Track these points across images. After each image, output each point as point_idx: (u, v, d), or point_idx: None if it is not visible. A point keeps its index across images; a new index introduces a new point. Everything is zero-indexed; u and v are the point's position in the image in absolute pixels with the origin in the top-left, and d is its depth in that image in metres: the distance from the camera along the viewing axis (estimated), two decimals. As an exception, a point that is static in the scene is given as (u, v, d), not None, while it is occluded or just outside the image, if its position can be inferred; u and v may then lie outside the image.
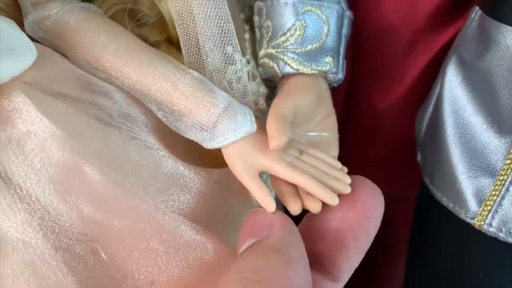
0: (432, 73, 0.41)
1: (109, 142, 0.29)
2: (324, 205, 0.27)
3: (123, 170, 0.28)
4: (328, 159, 0.31)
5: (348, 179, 0.31)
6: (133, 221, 0.27)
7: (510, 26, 0.31)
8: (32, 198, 0.25)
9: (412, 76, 0.42)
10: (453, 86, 0.36)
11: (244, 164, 0.30)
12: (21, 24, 0.34)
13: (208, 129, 0.30)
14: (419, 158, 0.42)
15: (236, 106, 0.31)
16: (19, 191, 0.25)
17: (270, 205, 0.28)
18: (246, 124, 0.30)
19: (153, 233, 0.26)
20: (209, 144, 0.30)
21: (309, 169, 0.30)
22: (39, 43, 0.33)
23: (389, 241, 0.55)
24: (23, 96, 0.26)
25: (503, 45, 0.31)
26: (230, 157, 0.30)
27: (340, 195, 0.28)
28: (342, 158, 0.33)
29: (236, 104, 0.31)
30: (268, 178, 0.34)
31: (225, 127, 0.30)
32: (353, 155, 0.48)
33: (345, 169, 0.31)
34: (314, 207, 0.27)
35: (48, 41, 0.33)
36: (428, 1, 0.39)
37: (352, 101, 0.46)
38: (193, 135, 0.31)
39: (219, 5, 0.32)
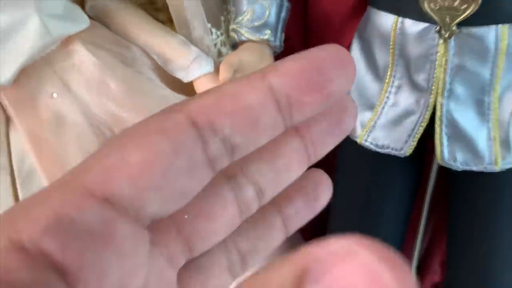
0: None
1: (127, 74, 0.49)
2: None
3: (133, 88, 0.48)
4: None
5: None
6: (138, 116, 0.47)
7: (375, 8, 0.48)
8: (78, 97, 0.46)
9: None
10: (354, 51, 0.53)
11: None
12: (82, 7, 0.56)
13: (185, 69, 0.50)
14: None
15: (203, 56, 0.51)
16: (73, 93, 0.46)
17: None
18: (208, 67, 0.50)
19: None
20: (186, 79, 0.50)
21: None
22: (95, 20, 0.55)
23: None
24: (79, 44, 0.48)
25: (373, 22, 0.49)
26: (198, 87, 0.50)
27: None
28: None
29: (203, 55, 0.51)
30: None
31: (195, 68, 0.50)
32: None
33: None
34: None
35: (99, 18, 0.55)
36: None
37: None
38: (177, 74, 0.51)
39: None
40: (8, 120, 0.46)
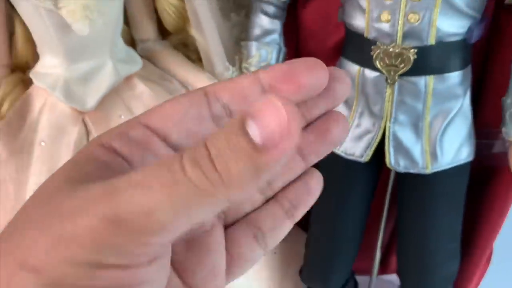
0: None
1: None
2: None
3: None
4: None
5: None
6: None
7: (345, 59, 0.68)
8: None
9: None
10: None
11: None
12: (133, 47, 0.75)
13: (211, 98, 0.70)
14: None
15: (224, 89, 0.71)
16: (135, 115, 0.66)
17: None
18: (227, 96, 0.70)
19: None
20: (211, 105, 0.70)
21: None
22: (144, 58, 0.74)
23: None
24: (138, 80, 0.68)
25: (344, 68, 0.69)
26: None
27: None
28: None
29: (224, 88, 0.71)
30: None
31: (218, 97, 0.70)
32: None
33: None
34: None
35: (147, 58, 0.74)
36: (330, 41, 0.77)
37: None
38: (205, 100, 0.71)
39: (221, 44, 0.72)
40: (88, 133, 0.66)
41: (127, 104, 0.66)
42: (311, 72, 0.21)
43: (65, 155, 0.65)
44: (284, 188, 0.25)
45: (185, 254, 0.22)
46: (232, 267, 0.24)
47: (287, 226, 0.25)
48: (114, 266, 0.17)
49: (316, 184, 0.26)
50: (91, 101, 0.64)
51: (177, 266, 0.22)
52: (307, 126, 0.24)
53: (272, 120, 0.15)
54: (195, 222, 0.18)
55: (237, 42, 0.78)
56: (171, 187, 0.16)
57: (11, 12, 0.65)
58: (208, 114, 0.22)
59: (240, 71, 0.77)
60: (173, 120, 0.21)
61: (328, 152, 0.25)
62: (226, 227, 0.24)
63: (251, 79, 0.22)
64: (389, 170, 0.74)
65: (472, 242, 0.78)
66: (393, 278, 0.94)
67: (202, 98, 0.22)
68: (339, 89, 0.23)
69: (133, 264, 0.18)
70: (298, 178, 0.25)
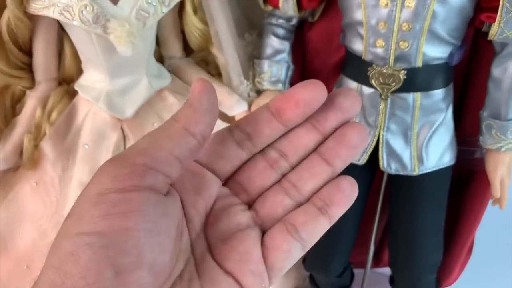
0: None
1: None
2: None
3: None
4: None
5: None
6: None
7: (345, 76, 0.80)
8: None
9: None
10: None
11: (242, 122, 0.81)
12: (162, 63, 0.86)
13: (230, 108, 0.81)
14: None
15: (241, 101, 0.82)
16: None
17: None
18: (244, 107, 0.81)
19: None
20: (229, 114, 0.81)
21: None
22: (171, 73, 0.85)
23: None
24: (168, 92, 0.79)
25: (344, 84, 0.80)
26: (236, 119, 0.81)
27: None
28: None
29: (241, 100, 0.82)
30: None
31: (236, 108, 0.81)
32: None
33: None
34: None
35: (174, 72, 0.85)
36: (332, 59, 0.88)
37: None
38: (224, 110, 0.82)
39: (239, 61, 0.83)
40: (125, 138, 0.77)
41: (159, 114, 0.77)
42: (305, 89, 0.25)
43: (105, 156, 0.76)
44: (316, 192, 0.28)
45: (221, 245, 0.26)
46: (270, 258, 0.26)
47: (322, 222, 0.28)
48: (110, 190, 0.23)
49: (346, 184, 0.28)
50: (129, 110, 0.75)
51: (214, 253, 0.26)
52: (328, 137, 0.28)
53: (194, 85, 0.26)
54: (172, 153, 0.25)
55: (250, 58, 0.89)
56: (149, 134, 0.26)
57: (61, 32, 0.76)
58: (231, 140, 0.28)
59: (253, 85, 0.88)
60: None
61: (352, 157, 0.28)
62: (265, 232, 0.28)
63: (261, 108, 0.27)
64: (382, 172, 0.85)
65: (454, 235, 0.89)
66: (385, 271, 1.02)
67: (226, 129, 0.29)
68: (344, 102, 0.26)
69: (123, 187, 0.23)
70: (330, 182, 0.28)
